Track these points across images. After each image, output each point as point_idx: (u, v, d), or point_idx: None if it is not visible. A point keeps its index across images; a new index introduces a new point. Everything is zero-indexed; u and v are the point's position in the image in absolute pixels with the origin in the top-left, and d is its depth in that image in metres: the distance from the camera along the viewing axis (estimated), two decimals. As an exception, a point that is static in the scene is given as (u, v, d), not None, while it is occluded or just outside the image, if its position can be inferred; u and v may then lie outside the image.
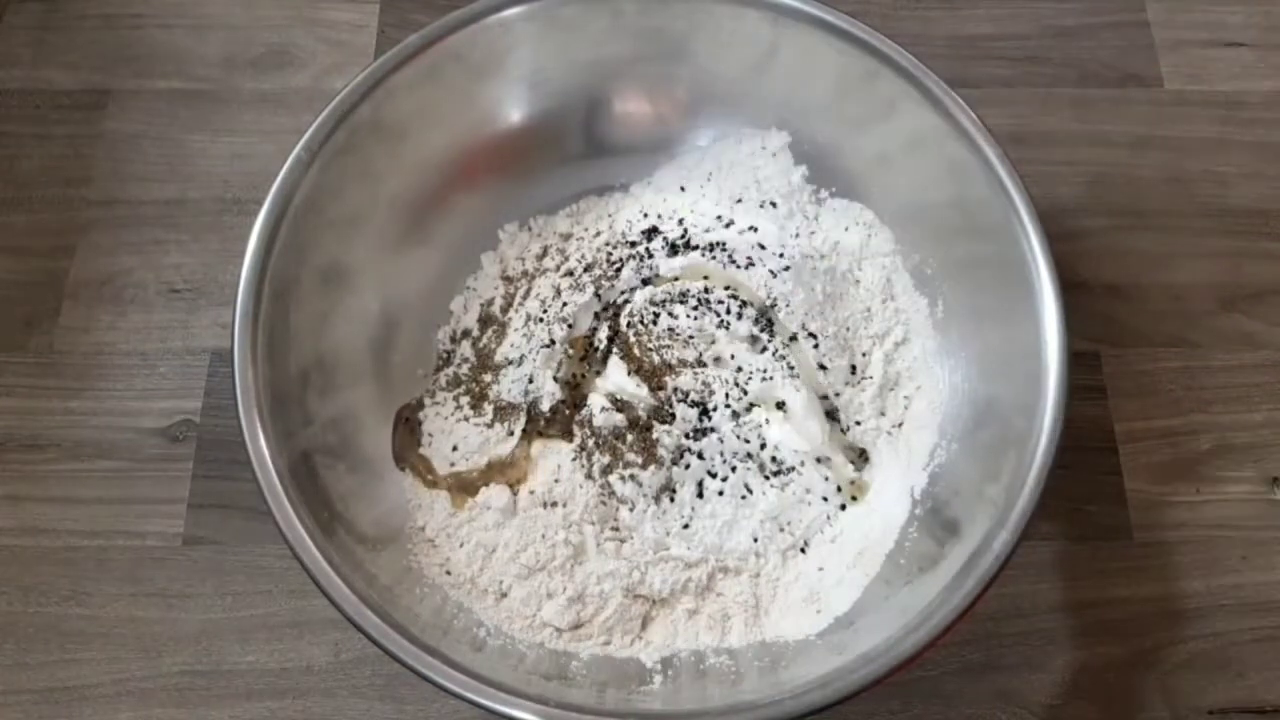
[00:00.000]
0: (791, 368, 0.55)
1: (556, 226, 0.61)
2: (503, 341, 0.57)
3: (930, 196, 0.56)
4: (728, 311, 0.55)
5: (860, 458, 0.55)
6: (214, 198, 0.66)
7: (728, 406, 0.53)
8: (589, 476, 0.53)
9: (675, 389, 0.54)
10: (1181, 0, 0.73)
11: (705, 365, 0.55)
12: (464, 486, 0.54)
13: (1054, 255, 0.49)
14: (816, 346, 0.55)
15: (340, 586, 0.44)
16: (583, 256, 0.59)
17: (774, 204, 0.60)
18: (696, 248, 0.57)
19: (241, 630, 0.55)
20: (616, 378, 0.55)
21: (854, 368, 0.57)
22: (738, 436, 0.53)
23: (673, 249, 0.58)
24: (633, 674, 0.49)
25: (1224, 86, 0.71)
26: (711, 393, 0.54)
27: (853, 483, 0.54)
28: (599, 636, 0.50)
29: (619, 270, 0.57)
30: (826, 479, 0.54)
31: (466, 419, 0.56)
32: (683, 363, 0.55)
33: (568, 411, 0.55)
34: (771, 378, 0.54)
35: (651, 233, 0.59)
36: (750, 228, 0.59)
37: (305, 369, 0.51)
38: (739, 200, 0.60)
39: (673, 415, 0.54)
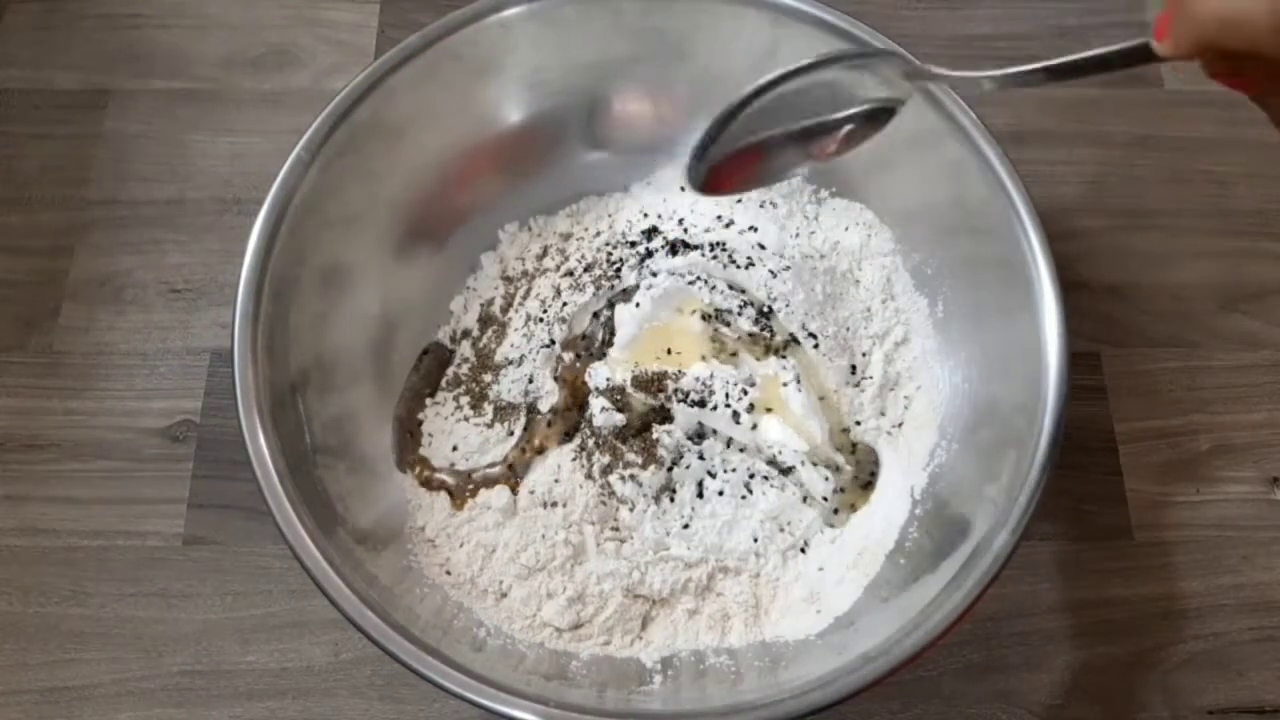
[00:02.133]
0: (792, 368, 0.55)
1: (556, 226, 0.61)
2: (503, 341, 0.57)
3: (930, 196, 0.56)
4: (728, 311, 0.55)
5: (866, 466, 0.55)
6: (214, 198, 0.66)
7: (728, 406, 0.53)
8: (589, 476, 0.53)
9: (675, 389, 0.54)
10: (1181, 0, 0.73)
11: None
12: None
13: (1054, 255, 0.49)
14: (816, 346, 0.55)
15: (340, 586, 0.44)
16: (583, 256, 0.59)
17: (774, 204, 0.60)
18: (696, 248, 0.57)
19: (241, 630, 0.55)
20: (616, 377, 0.55)
21: (854, 368, 0.56)
22: (738, 436, 0.53)
23: (673, 249, 0.58)
24: (633, 674, 0.49)
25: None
26: (711, 393, 0.54)
27: (853, 505, 0.54)
28: (599, 636, 0.50)
29: (619, 270, 0.57)
30: (826, 479, 0.54)
31: (466, 419, 0.56)
32: (683, 363, 0.55)
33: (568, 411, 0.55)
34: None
35: (651, 233, 0.59)
36: (750, 228, 0.59)
37: (305, 369, 0.51)
38: (739, 200, 0.60)
39: (673, 415, 0.54)
